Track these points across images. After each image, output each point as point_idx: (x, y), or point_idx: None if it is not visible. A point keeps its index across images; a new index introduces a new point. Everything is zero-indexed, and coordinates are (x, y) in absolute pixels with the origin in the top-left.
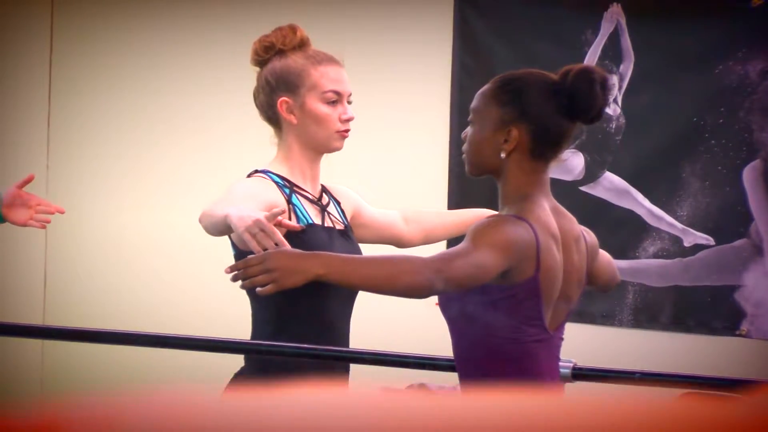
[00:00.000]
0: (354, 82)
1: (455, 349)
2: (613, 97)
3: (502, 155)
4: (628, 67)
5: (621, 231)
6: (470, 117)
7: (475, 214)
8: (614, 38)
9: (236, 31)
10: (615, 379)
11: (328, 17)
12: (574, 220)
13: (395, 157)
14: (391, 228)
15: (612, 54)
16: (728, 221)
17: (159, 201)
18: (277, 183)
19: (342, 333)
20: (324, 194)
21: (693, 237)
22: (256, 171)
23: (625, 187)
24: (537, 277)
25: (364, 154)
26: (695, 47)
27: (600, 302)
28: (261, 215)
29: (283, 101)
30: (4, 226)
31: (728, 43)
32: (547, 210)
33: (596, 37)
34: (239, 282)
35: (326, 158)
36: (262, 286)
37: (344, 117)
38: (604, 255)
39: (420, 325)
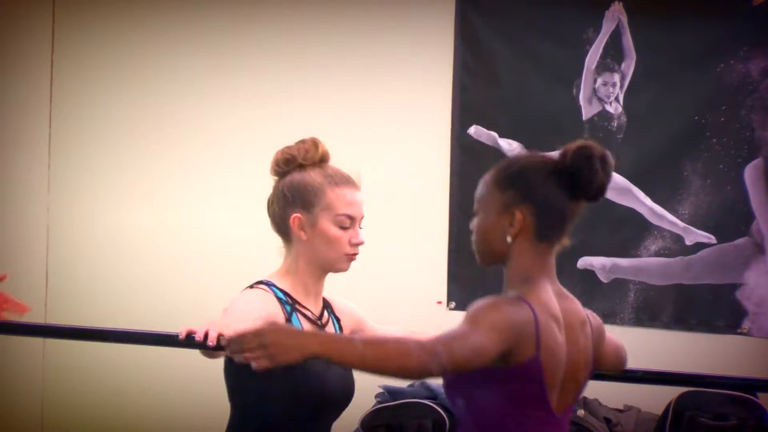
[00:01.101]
0: (354, 83)
1: None
2: (615, 96)
3: (508, 239)
4: (629, 66)
5: (623, 229)
6: (475, 207)
7: None
8: (616, 37)
9: (240, 32)
10: (617, 377)
11: (330, 18)
12: (578, 303)
13: (397, 156)
14: None
15: (613, 53)
16: (730, 219)
17: (160, 199)
18: (279, 298)
19: None
20: (325, 311)
21: (694, 235)
22: (260, 282)
23: (626, 185)
24: (538, 358)
25: (367, 152)
26: (696, 46)
27: (601, 300)
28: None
29: (296, 217)
30: (7, 226)
31: (729, 42)
32: (550, 293)
33: (598, 35)
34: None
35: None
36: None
37: (354, 241)
38: (612, 340)
39: (420, 321)
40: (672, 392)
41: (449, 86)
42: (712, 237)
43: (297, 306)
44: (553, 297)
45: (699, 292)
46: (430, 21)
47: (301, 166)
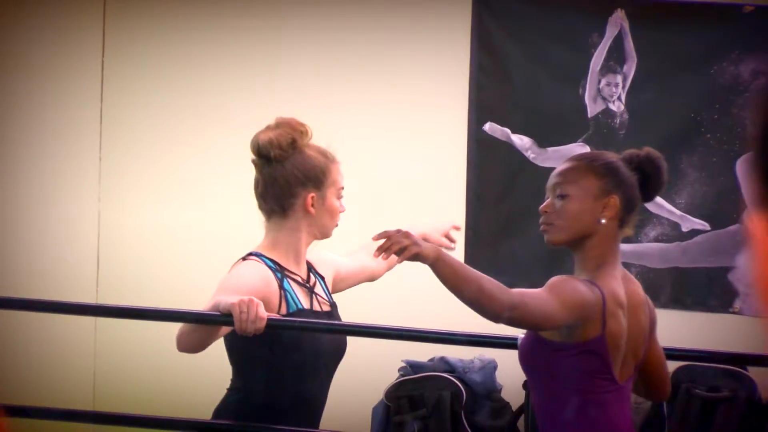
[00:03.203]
0: (377, 83)
1: (535, 401)
2: (617, 96)
3: (603, 221)
4: (631, 68)
5: None
6: (556, 191)
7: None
8: (618, 41)
9: (273, 35)
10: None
11: (353, 20)
12: (639, 285)
13: (419, 150)
14: (364, 270)
15: (616, 56)
16: (723, 208)
17: (204, 190)
18: (270, 267)
19: (319, 404)
20: (310, 273)
21: (690, 223)
22: (250, 254)
23: None
24: (603, 337)
25: (391, 147)
26: (692, 49)
27: None
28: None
29: (312, 196)
30: (61, 215)
31: (723, 46)
32: (618, 279)
33: (602, 40)
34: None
35: (349, 158)
36: (397, 254)
37: (342, 210)
38: (659, 345)
39: (439, 302)
40: (670, 366)
41: (466, 86)
42: (707, 224)
43: (286, 273)
44: (620, 282)
45: (695, 274)
46: (449, 26)
47: (299, 148)
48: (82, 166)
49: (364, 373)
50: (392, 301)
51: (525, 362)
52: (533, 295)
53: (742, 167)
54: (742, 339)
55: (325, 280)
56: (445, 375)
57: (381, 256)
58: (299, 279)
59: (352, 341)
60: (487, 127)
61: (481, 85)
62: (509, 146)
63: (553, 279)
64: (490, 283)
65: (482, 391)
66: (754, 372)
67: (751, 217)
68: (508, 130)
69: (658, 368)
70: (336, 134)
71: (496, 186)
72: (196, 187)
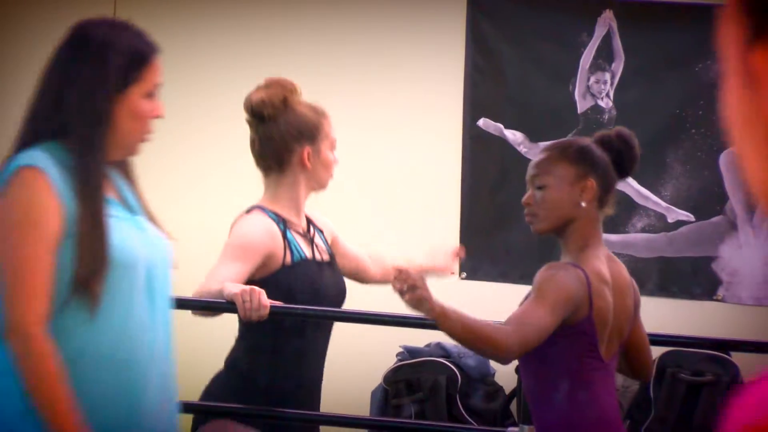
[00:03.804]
0: (376, 81)
1: (525, 383)
2: (606, 93)
3: (583, 204)
4: (618, 66)
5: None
6: (538, 181)
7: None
8: (607, 40)
9: (272, 34)
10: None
11: (353, 21)
12: (624, 267)
13: (416, 144)
14: (358, 261)
15: (605, 54)
16: (707, 200)
17: (212, 184)
18: (273, 219)
19: (321, 355)
20: (309, 225)
21: (676, 214)
22: (253, 208)
23: None
24: (591, 317)
25: (390, 142)
26: (678, 48)
27: None
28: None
29: (306, 150)
30: None
31: (707, 45)
32: (602, 258)
33: (591, 39)
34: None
35: (342, 155)
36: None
37: (336, 162)
38: (642, 325)
39: (436, 291)
40: (656, 351)
41: (461, 84)
42: (691, 215)
43: (288, 224)
44: (604, 261)
45: (680, 263)
46: (444, 26)
47: (291, 105)
48: None
49: (363, 359)
50: (390, 289)
51: None
52: (527, 320)
53: (725, 161)
54: (725, 325)
55: (324, 233)
56: (441, 360)
57: (395, 285)
58: (300, 230)
59: (352, 329)
60: (481, 122)
61: (476, 82)
62: (502, 141)
63: (539, 279)
64: (492, 330)
65: (476, 376)
66: (736, 357)
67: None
68: (501, 126)
69: (642, 348)
70: (337, 130)
71: (490, 179)
72: (201, 180)
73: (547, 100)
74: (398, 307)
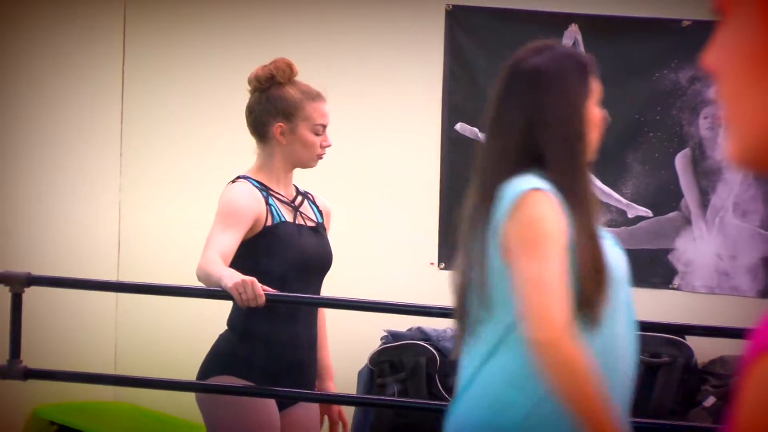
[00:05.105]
0: (362, 88)
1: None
2: None
3: None
4: None
5: None
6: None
7: None
8: None
9: (266, 36)
10: None
11: (342, 33)
12: None
13: (398, 147)
14: None
15: None
16: (663, 198)
17: (220, 181)
18: (256, 186)
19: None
20: (300, 196)
21: (635, 210)
22: (238, 177)
23: None
24: None
25: (373, 144)
26: (637, 59)
27: None
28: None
29: (279, 126)
30: (84, 204)
31: (664, 56)
32: None
33: None
34: None
35: (331, 155)
36: None
37: (325, 144)
38: None
39: (416, 279)
40: None
41: (440, 90)
42: (650, 212)
43: (271, 192)
44: None
45: (639, 255)
46: (424, 38)
47: (279, 83)
48: (104, 164)
49: (350, 342)
50: (375, 279)
51: None
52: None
53: (680, 162)
54: (681, 312)
55: (320, 209)
56: (421, 343)
57: None
58: (282, 198)
59: (340, 315)
60: (458, 126)
61: (453, 89)
62: (478, 143)
63: None
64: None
65: (454, 357)
66: (690, 340)
67: None
68: (476, 130)
69: None
70: (328, 132)
71: (466, 178)
72: (209, 178)
73: None
74: (382, 295)
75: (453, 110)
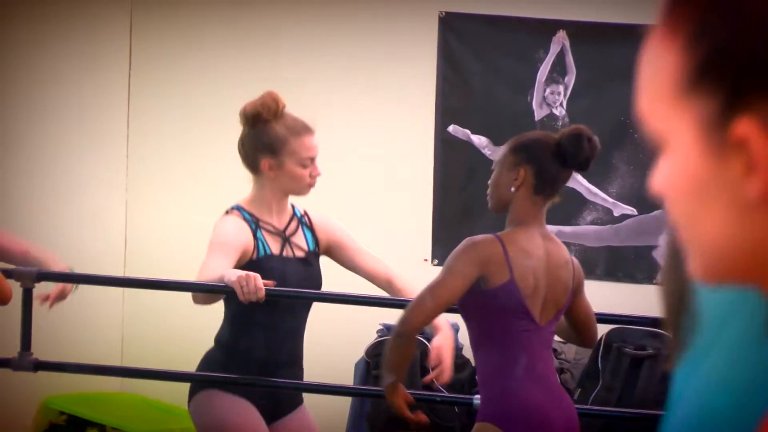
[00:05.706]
0: (358, 91)
1: (470, 340)
2: (560, 102)
3: (512, 189)
4: (571, 79)
5: (565, 204)
6: (492, 167)
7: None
8: (561, 57)
9: (266, 37)
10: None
11: (339, 38)
12: (563, 246)
13: (393, 148)
14: (373, 280)
15: (559, 69)
16: (647, 197)
17: (224, 180)
18: (246, 219)
19: (298, 335)
20: (294, 224)
21: (621, 208)
22: (232, 208)
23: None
24: (513, 280)
25: (369, 145)
26: (622, 63)
27: None
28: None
29: (266, 161)
30: (91, 202)
31: None
32: (532, 236)
33: (547, 55)
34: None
35: (331, 156)
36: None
37: (314, 174)
38: (588, 305)
39: (411, 275)
40: (603, 328)
41: (433, 94)
42: (635, 210)
43: (260, 223)
44: (536, 238)
45: (624, 251)
46: (418, 43)
47: (266, 120)
48: (111, 164)
49: (347, 335)
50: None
51: (462, 314)
52: (429, 288)
53: None
54: None
55: (317, 233)
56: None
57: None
58: (272, 229)
59: (337, 308)
60: (451, 128)
61: (446, 93)
62: (469, 145)
63: (453, 253)
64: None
65: None
66: None
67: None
68: (468, 131)
69: (586, 320)
70: (323, 133)
71: (458, 178)
72: (213, 177)
73: (508, 108)
74: (378, 289)
75: (446, 113)
